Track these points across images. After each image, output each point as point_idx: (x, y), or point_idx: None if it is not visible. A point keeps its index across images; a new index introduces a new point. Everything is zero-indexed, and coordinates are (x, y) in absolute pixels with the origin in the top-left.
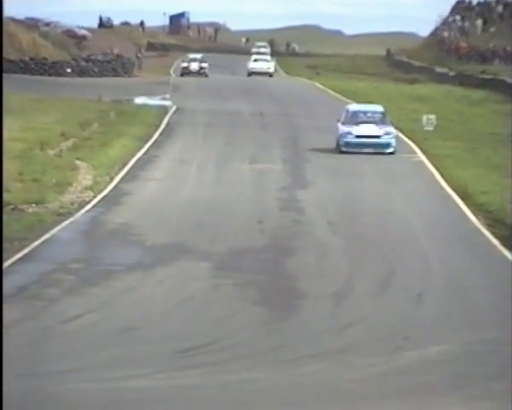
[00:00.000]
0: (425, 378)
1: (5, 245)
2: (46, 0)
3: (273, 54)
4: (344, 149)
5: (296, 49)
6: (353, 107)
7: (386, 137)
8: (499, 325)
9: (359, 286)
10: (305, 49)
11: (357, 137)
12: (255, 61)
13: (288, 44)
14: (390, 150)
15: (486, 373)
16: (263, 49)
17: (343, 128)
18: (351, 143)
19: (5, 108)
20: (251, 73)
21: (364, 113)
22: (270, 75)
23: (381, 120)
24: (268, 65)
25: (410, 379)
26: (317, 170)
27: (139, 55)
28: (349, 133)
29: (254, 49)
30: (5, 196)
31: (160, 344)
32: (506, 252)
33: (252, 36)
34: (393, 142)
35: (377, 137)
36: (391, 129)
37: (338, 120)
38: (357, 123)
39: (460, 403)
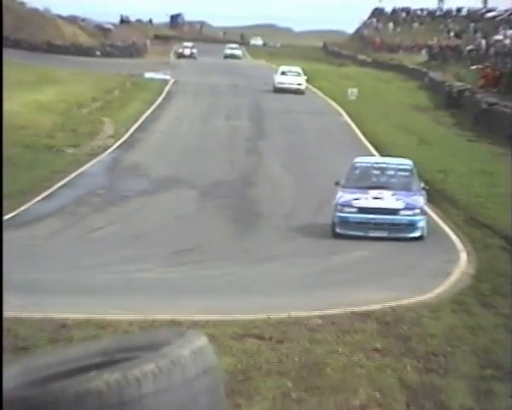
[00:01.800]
0: (347, 275)
1: (51, 176)
2: (83, 2)
3: (243, 44)
4: (339, 230)
5: (259, 41)
6: (362, 160)
7: (408, 213)
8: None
9: (303, 209)
10: (264, 42)
11: (361, 211)
12: (283, 74)
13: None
14: (414, 234)
15: (388, 272)
16: (236, 52)
17: (341, 195)
18: (349, 220)
19: (52, 79)
20: (278, 90)
21: (381, 170)
22: (302, 92)
23: (406, 183)
24: (299, 80)
25: (338, 275)
26: (273, 126)
27: (146, 43)
28: (348, 204)
29: (228, 51)
30: (51, 141)
31: (160, 247)
32: None
33: (228, 31)
34: (421, 220)
35: (393, 212)
36: (418, 199)
37: (337, 183)
38: (366, 187)
39: (368, 293)
